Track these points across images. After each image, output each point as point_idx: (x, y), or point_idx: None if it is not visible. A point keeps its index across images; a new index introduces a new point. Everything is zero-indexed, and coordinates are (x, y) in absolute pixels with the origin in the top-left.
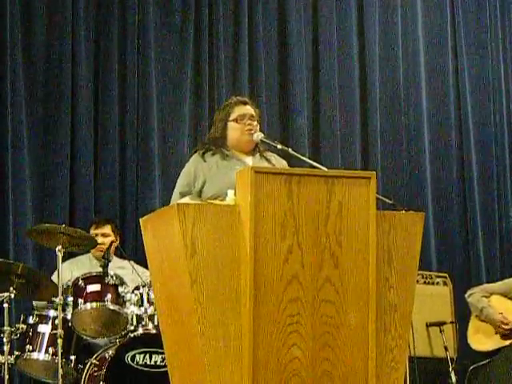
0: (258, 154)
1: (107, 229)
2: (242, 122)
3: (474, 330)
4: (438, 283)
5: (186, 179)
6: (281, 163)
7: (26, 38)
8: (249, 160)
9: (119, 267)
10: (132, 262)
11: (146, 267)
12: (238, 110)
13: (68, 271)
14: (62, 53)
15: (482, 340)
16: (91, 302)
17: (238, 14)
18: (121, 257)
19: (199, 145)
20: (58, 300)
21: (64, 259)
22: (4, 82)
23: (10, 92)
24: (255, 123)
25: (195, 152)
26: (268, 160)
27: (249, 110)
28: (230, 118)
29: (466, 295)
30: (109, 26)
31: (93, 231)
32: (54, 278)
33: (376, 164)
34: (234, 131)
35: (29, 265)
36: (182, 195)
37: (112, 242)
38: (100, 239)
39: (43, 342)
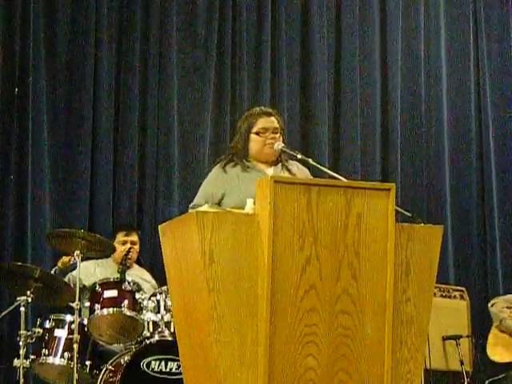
0: (279, 165)
1: (135, 237)
2: (264, 135)
3: (494, 340)
4: (455, 297)
5: (206, 191)
6: (302, 171)
7: (48, 42)
8: (270, 171)
9: (139, 276)
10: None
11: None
12: (262, 123)
13: (93, 267)
14: (84, 59)
15: (500, 351)
16: (108, 307)
17: (262, 24)
18: (140, 265)
19: (222, 157)
20: (75, 305)
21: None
22: (26, 83)
23: (32, 96)
24: (278, 135)
25: (217, 163)
26: (289, 170)
27: (272, 122)
28: (253, 130)
29: (489, 304)
30: (131, 34)
31: (122, 238)
32: (69, 277)
33: (395, 176)
34: (256, 143)
35: (46, 269)
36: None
37: (130, 249)
38: (129, 246)
39: (59, 346)
